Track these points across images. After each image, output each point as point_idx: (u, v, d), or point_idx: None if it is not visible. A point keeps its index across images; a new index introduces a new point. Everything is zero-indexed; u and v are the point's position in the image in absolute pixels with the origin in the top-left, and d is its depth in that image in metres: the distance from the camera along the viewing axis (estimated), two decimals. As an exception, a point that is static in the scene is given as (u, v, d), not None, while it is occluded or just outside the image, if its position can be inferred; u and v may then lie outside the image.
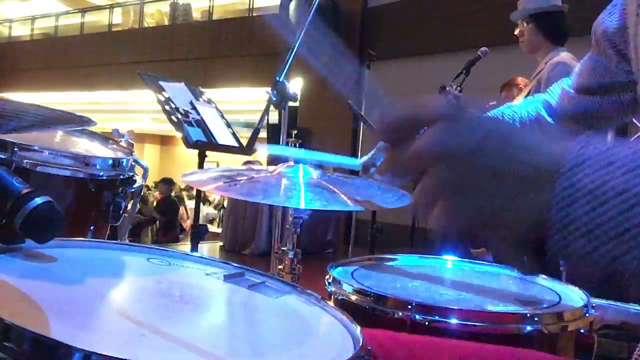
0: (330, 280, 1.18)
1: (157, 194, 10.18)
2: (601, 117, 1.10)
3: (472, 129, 0.48)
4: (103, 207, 1.34)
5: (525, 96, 2.84)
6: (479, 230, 0.48)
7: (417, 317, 1.01)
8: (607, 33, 1.03)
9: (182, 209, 11.37)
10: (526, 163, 0.46)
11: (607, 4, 1.03)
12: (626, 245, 0.43)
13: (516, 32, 2.98)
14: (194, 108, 2.58)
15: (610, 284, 0.47)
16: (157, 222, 9.65)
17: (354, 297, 1.11)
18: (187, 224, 10.99)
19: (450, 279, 1.39)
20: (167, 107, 2.43)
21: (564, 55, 2.80)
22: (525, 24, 2.92)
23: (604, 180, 0.43)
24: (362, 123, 4.39)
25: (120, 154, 1.50)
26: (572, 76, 1.15)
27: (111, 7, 15.97)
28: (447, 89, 3.23)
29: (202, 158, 2.54)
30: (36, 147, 1.19)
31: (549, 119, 1.14)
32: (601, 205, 0.43)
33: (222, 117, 2.79)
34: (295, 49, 2.03)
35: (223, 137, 2.65)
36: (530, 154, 0.47)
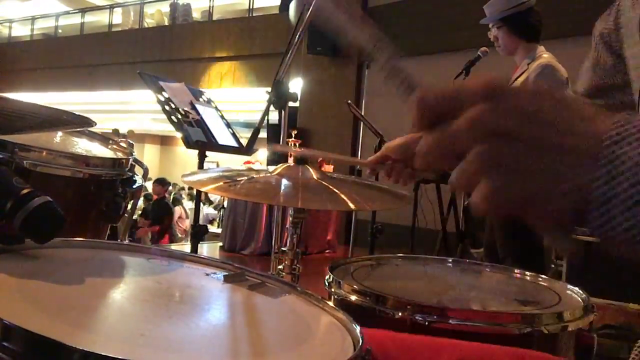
0: (330, 280, 1.18)
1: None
2: None
3: (516, 108, 0.47)
4: (103, 207, 1.34)
5: None
6: (522, 207, 0.47)
7: (417, 317, 1.01)
8: (603, 35, 1.03)
9: (180, 209, 11.38)
10: (570, 143, 0.45)
11: (600, 5, 1.03)
12: None
13: (490, 37, 2.95)
14: (194, 108, 2.58)
15: None
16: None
17: (354, 297, 1.11)
18: (186, 224, 11.00)
19: (451, 279, 1.39)
20: (167, 107, 2.43)
21: (546, 57, 2.77)
22: (497, 29, 2.88)
23: None
24: (362, 123, 4.38)
25: (120, 154, 1.50)
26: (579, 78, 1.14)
27: (111, 7, 15.97)
28: None
29: (202, 158, 2.54)
30: (36, 148, 1.19)
31: None
32: None
33: (222, 117, 2.79)
34: (295, 48, 2.04)
35: (223, 137, 2.65)
36: (575, 133, 0.46)
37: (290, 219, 1.23)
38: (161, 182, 9.70)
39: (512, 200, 0.47)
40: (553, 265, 3.47)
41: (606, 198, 0.44)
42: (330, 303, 0.86)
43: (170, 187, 14.14)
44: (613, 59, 1.02)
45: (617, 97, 1.05)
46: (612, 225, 0.44)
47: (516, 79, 2.86)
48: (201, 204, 3.01)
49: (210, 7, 13.28)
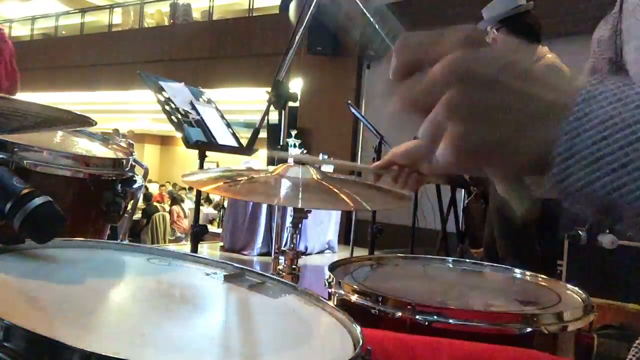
0: (330, 280, 1.18)
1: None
2: None
3: (493, 57, 0.47)
4: (103, 207, 1.34)
5: None
6: (484, 159, 0.47)
7: (417, 317, 1.01)
8: (600, 42, 1.03)
9: (178, 208, 11.40)
10: (541, 97, 0.46)
11: (603, 4, 1.03)
12: (628, 177, 0.43)
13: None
14: (194, 108, 2.58)
15: (607, 214, 0.47)
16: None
17: (354, 297, 1.11)
18: (185, 223, 11.01)
19: (450, 279, 1.39)
20: (167, 107, 2.43)
21: (550, 57, 2.77)
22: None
23: (612, 115, 0.44)
24: (362, 123, 4.38)
25: (120, 154, 1.50)
26: None
27: (111, 7, 15.97)
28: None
29: (202, 158, 2.54)
30: (36, 147, 1.19)
31: None
32: (609, 136, 0.43)
33: (222, 117, 2.79)
34: (294, 48, 2.04)
35: (223, 137, 2.65)
36: (546, 89, 0.46)
37: (290, 219, 1.23)
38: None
39: (476, 148, 0.46)
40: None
41: (569, 154, 0.44)
42: (330, 303, 0.86)
43: (170, 187, 14.16)
44: (607, 66, 1.02)
45: None
46: (571, 181, 0.45)
47: None
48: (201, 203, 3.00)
49: (210, 7, 13.27)
